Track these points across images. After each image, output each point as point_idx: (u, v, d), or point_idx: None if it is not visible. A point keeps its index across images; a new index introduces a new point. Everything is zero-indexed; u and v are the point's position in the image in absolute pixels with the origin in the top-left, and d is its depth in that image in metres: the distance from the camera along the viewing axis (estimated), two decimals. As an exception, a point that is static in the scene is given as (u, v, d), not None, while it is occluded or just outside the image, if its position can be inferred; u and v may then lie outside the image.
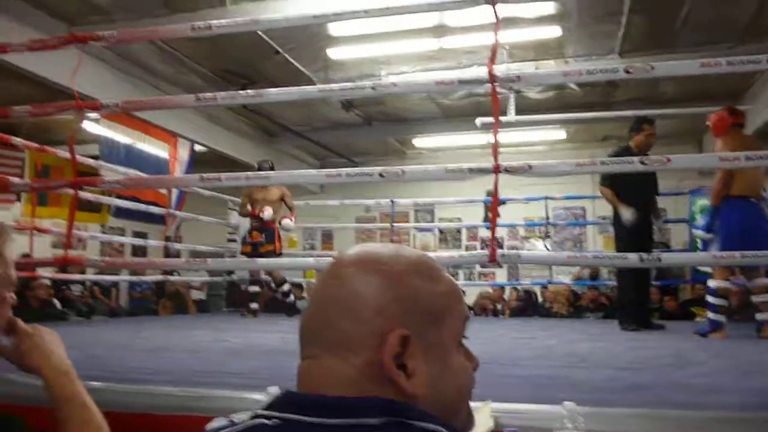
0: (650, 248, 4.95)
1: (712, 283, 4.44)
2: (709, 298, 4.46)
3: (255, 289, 6.84)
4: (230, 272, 7.94)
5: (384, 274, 0.71)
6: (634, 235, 4.79)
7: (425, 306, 0.71)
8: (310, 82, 7.40)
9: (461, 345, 0.75)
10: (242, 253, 6.73)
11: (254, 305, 6.76)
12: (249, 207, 6.49)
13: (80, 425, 1.25)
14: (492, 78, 2.54)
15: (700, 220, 4.58)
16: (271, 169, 6.33)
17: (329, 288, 0.72)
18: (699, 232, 4.58)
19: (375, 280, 0.70)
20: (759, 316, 4.34)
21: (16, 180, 3.43)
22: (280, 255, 6.43)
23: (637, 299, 4.99)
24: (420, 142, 10.78)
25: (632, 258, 2.59)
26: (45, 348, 1.36)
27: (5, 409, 1.18)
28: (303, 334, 0.73)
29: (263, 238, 6.34)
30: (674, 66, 2.73)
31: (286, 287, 6.68)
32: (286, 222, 6.44)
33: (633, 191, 4.85)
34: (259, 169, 6.31)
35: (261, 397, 1.65)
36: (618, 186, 4.88)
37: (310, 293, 0.77)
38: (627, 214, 4.81)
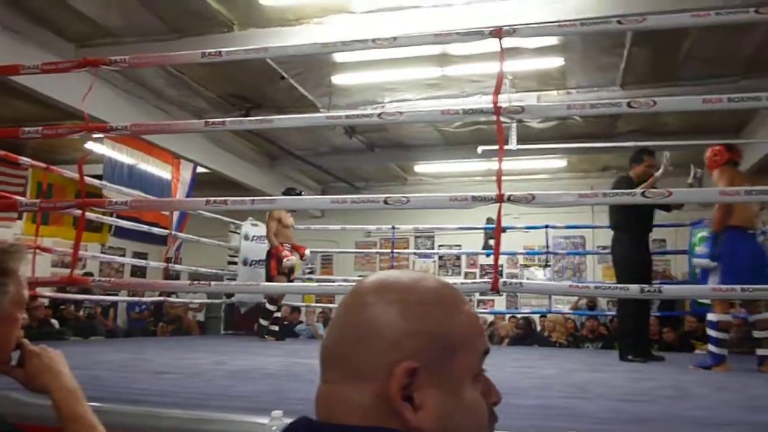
0: (650, 279, 4.98)
1: (712, 317, 4.43)
2: (710, 332, 4.44)
3: (272, 308, 6.80)
4: (230, 295, 7.93)
5: (403, 304, 0.70)
6: (634, 266, 4.82)
7: (440, 338, 0.69)
8: (314, 107, 7.47)
9: (478, 379, 0.72)
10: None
11: (274, 327, 6.78)
12: (276, 239, 6.65)
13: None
14: (497, 109, 2.58)
15: (703, 249, 4.58)
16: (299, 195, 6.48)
17: (349, 314, 0.73)
18: (702, 261, 4.56)
19: (393, 310, 0.70)
20: (760, 352, 4.33)
21: (23, 199, 3.44)
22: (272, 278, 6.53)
23: (637, 330, 4.99)
24: (421, 168, 10.83)
25: (633, 289, 2.60)
26: (53, 368, 1.37)
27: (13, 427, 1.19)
28: (323, 357, 0.73)
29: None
30: (676, 101, 2.77)
31: (277, 312, 6.75)
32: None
33: (632, 222, 4.92)
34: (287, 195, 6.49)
35: (265, 420, 1.66)
36: (617, 216, 4.95)
37: (332, 316, 0.77)
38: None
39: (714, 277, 4.38)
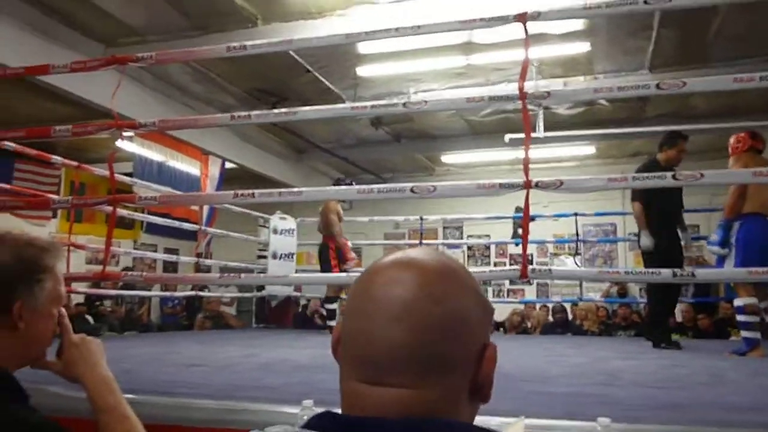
0: (680, 264, 4.90)
1: (738, 302, 4.42)
2: (739, 317, 4.44)
3: (332, 306, 6.73)
4: (260, 288, 7.99)
5: (470, 289, 0.71)
6: (663, 251, 4.75)
7: (492, 313, 0.74)
8: (340, 100, 7.47)
9: None
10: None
11: (332, 323, 6.70)
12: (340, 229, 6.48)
13: (122, 436, 1.28)
14: (522, 95, 2.55)
15: (714, 236, 4.52)
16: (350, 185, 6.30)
17: (423, 310, 0.66)
18: (713, 248, 4.54)
19: (470, 296, 0.70)
20: None
21: (55, 197, 3.50)
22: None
23: (667, 316, 4.95)
24: (448, 158, 10.78)
25: (665, 273, 2.56)
26: (90, 359, 1.40)
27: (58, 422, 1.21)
28: (389, 361, 0.66)
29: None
30: (707, 82, 2.71)
31: (331, 306, 6.71)
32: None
33: (662, 206, 4.84)
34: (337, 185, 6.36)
35: (295, 410, 1.67)
36: (647, 200, 4.86)
37: (379, 308, 0.68)
38: (646, 240, 4.83)
39: (729, 264, 4.36)
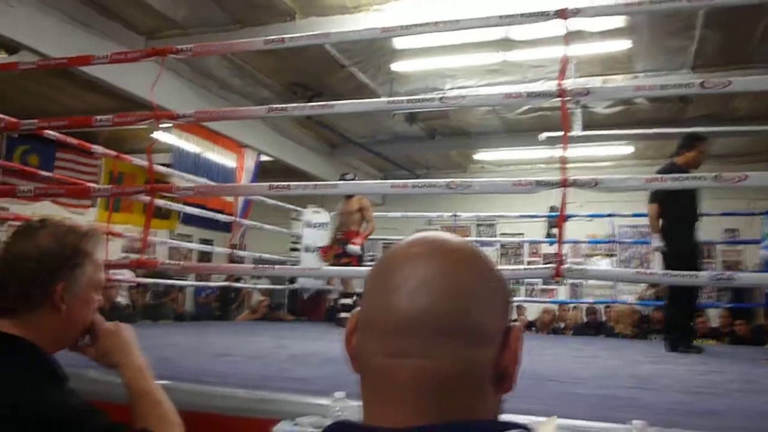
0: (699, 267, 4.83)
1: None
2: None
3: (347, 302, 6.59)
4: (292, 281, 8.03)
5: (491, 268, 0.71)
6: (683, 256, 4.67)
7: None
8: (375, 95, 7.47)
9: None
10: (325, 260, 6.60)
11: (345, 315, 6.54)
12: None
13: (156, 420, 1.30)
14: (561, 92, 2.52)
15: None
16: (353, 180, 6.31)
17: (455, 277, 0.66)
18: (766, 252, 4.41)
19: (492, 273, 0.70)
20: None
21: (95, 185, 3.58)
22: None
23: (686, 320, 4.89)
24: (483, 156, 10.73)
25: (703, 276, 2.51)
26: (124, 346, 1.42)
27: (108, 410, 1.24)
28: (408, 327, 0.64)
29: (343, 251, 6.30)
30: (752, 81, 2.65)
31: (347, 300, 6.66)
32: (351, 248, 6.27)
33: (681, 209, 4.76)
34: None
35: (326, 401, 1.67)
36: (666, 204, 4.78)
37: (404, 279, 0.67)
38: (657, 242, 4.79)
39: None
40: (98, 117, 3.11)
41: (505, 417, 0.70)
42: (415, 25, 2.77)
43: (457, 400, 0.64)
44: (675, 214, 4.77)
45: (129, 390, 1.36)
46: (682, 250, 4.71)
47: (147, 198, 3.28)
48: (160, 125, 4.22)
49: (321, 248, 6.73)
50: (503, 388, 0.68)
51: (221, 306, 9.94)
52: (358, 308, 0.73)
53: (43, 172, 5.62)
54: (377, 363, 0.66)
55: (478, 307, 0.66)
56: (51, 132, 4.35)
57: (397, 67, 7.08)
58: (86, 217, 8.72)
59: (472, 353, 0.65)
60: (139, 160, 5.51)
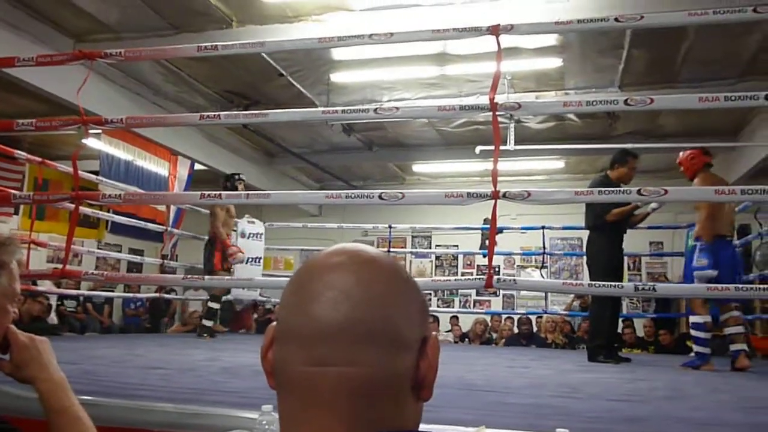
0: (621, 279, 5.07)
1: (698, 319, 4.58)
2: (697, 333, 4.62)
3: (216, 305, 6.52)
4: (227, 292, 7.89)
5: (409, 280, 0.71)
6: (608, 266, 4.83)
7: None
8: (313, 105, 7.44)
9: None
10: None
11: (208, 322, 6.44)
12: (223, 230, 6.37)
13: (74, 437, 1.24)
14: (493, 106, 2.57)
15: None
16: (239, 180, 6.28)
17: (372, 286, 0.66)
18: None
19: (409, 284, 0.70)
20: (733, 347, 4.51)
21: (16, 192, 3.43)
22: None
23: (610, 331, 5.03)
24: (420, 168, 10.82)
25: (628, 287, 2.60)
26: (41, 359, 1.36)
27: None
28: (328, 336, 0.64)
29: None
30: (673, 100, 2.77)
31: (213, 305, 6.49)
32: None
33: (610, 224, 4.94)
34: (232, 181, 6.27)
35: (255, 415, 1.64)
36: (597, 213, 4.96)
37: (324, 287, 0.66)
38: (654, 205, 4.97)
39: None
40: (20, 121, 2.99)
41: (433, 428, 0.70)
42: (351, 37, 2.78)
43: (379, 409, 0.64)
44: (602, 226, 4.94)
45: (45, 406, 1.30)
46: (605, 262, 4.87)
47: (72, 206, 3.16)
48: (90, 131, 4.08)
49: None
50: (422, 396, 0.68)
51: (151, 318, 9.68)
52: (274, 323, 0.71)
53: (-38, 179, 5.38)
54: (298, 372, 0.65)
55: (397, 314, 0.66)
56: (-30, 136, 4.16)
57: (335, 77, 7.07)
58: (9, 226, 8.36)
59: (393, 360, 0.65)
60: (66, 167, 5.32)
